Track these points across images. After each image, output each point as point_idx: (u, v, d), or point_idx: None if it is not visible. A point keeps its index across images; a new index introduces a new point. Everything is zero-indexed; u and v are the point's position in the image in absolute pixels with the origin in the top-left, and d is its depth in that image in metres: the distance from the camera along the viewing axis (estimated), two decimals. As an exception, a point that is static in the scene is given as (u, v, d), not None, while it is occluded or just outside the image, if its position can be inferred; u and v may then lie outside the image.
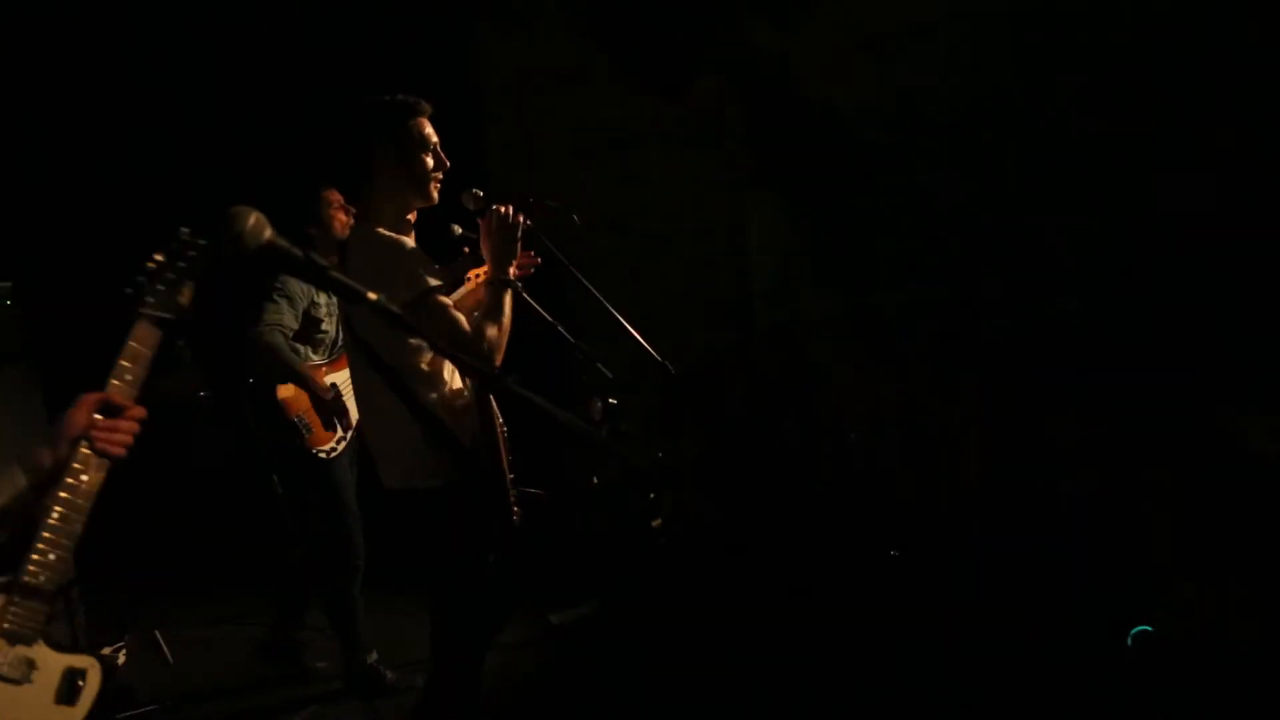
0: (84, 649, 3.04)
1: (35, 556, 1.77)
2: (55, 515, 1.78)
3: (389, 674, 3.89)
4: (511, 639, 4.26)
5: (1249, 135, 4.14)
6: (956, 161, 4.83)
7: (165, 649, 4.31)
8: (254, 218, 1.48)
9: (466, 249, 3.09)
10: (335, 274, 1.58)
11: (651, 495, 3.78)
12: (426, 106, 2.74)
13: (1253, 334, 3.95)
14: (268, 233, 1.49)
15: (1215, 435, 3.81)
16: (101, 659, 1.81)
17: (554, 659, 4.14)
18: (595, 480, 4.18)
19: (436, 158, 2.73)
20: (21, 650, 1.76)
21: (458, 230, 3.63)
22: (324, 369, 3.89)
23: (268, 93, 5.15)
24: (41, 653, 1.78)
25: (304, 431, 3.76)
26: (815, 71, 5.24)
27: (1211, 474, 3.72)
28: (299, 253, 1.54)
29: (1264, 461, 3.65)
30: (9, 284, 4.01)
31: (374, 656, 3.91)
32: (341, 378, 3.87)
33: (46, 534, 1.78)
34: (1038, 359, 4.28)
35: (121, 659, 4.16)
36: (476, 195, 2.83)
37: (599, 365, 3.81)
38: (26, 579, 1.75)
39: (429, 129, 2.74)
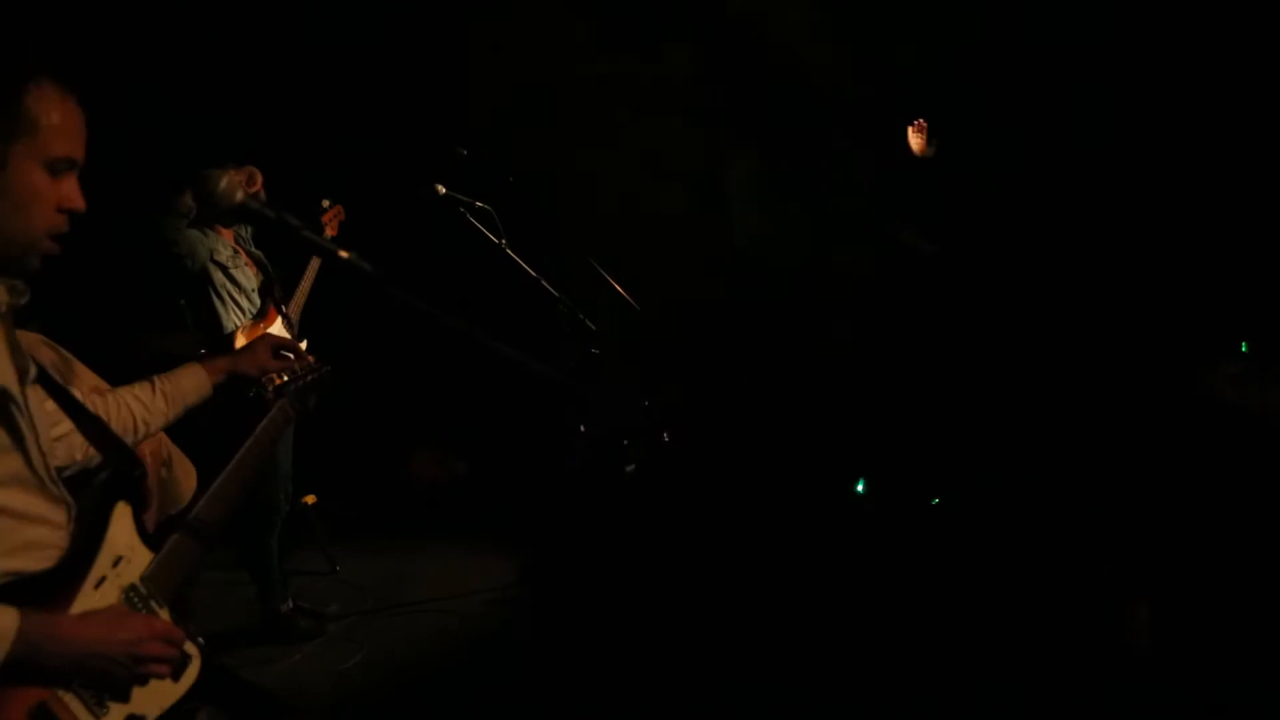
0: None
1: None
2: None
3: (303, 622, 3.98)
4: (496, 587, 4.35)
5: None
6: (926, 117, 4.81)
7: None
8: (226, 180, 1.51)
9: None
10: (308, 233, 1.60)
11: (625, 441, 3.82)
12: None
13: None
14: (239, 194, 1.52)
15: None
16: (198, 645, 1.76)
17: (533, 606, 4.20)
18: (583, 429, 4.21)
19: None
20: None
21: (442, 190, 3.65)
22: (260, 326, 3.80)
23: (256, 75, 5.04)
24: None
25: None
26: (787, 28, 5.21)
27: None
28: (271, 212, 1.56)
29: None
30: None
31: (289, 605, 3.99)
32: (276, 330, 3.81)
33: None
34: (1006, 314, 4.27)
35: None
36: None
37: (581, 317, 3.86)
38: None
39: None
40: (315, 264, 4.15)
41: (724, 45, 5.30)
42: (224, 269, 3.72)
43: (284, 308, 3.84)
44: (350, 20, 5.13)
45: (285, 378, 2.04)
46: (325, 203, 4.23)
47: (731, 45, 5.29)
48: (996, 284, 4.09)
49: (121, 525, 1.63)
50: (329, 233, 4.16)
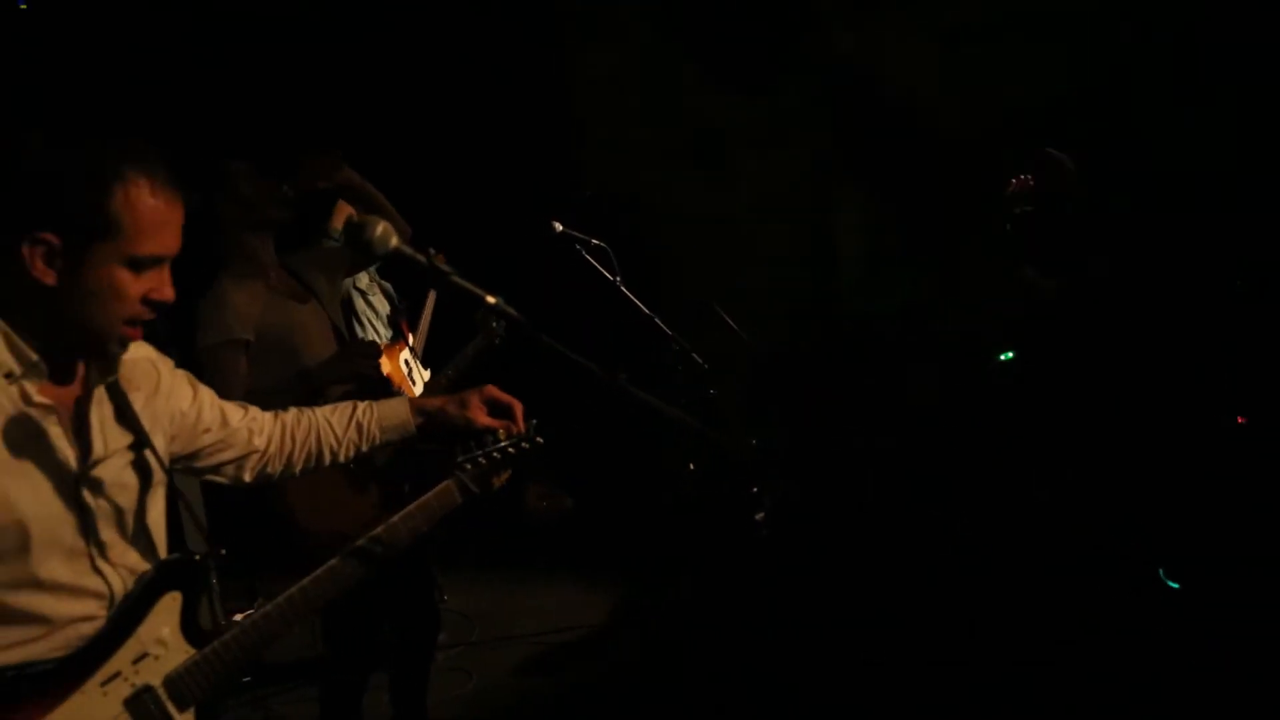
0: (219, 615, 3.09)
1: None
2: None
3: None
4: (602, 621, 4.29)
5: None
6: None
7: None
8: (381, 227, 1.49)
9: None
10: (456, 278, 1.57)
11: (755, 489, 3.71)
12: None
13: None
14: (394, 240, 1.50)
15: None
16: None
17: (645, 644, 4.11)
18: (692, 467, 4.14)
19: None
20: None
21: (559, 227, 3.63)
22: (395, 350, 3.84)
23: (371, 104, 5.13)
24: None
25: None
26: (898, 68, 5.11)
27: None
28: (422, 258, 1.54)
29: None
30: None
31: None
32: (406, 357, 3.85)
33: None
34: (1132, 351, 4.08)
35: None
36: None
37: (694, 356, 3.79)
38: None
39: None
40: (433, 296, 4.19)
41: (834, 83, 5.22)
42: (364, 295, 3.78)
43: (410, 338, 3.88)
44: (464, 60, 5.21)
45: (475, 447, 1.78)
46: (430, 250, 4.26)
47: (842, 83, 5.21)
48: (1121, 318, 3.90)
49: (162, 617, 1.52)
50: None
